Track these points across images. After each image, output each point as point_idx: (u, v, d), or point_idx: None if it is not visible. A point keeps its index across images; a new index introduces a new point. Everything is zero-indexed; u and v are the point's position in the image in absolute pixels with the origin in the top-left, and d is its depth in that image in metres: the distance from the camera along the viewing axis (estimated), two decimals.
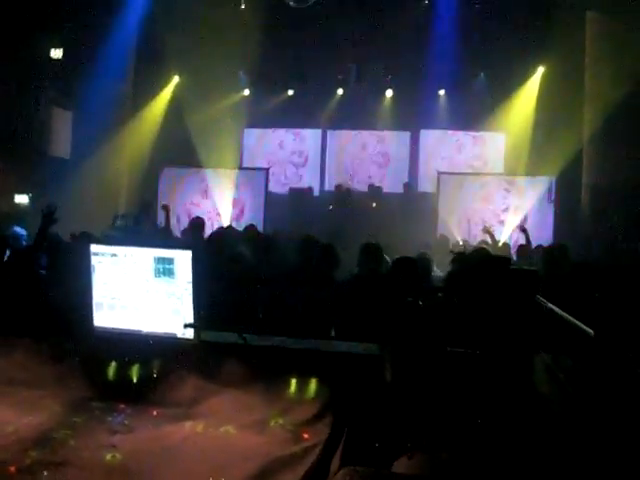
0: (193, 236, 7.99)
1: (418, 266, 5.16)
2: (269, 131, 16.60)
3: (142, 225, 9.96)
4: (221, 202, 14.12)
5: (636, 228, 10.58)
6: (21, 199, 12.06)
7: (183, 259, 3.34)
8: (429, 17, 14.06)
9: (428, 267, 6.19)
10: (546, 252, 6.78)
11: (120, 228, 9.79)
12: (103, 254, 3.48)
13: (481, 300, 3.10)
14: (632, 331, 2.08)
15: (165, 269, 3.36)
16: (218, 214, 13.88)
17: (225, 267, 5.47)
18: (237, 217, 13.78)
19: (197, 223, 8.49)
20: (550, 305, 2.92)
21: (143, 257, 3.41)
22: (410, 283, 4.78)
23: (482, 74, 15.06)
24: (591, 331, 2.20)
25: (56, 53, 12.21)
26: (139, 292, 3.44)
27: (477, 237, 11.49)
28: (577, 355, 2.50)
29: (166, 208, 9.16)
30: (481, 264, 3.39)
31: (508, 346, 3.15)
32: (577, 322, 2.40)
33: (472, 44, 13.54)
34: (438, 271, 6.99)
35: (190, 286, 3.34)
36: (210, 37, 13.07)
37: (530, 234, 9.18)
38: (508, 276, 3.24)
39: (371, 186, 14.96)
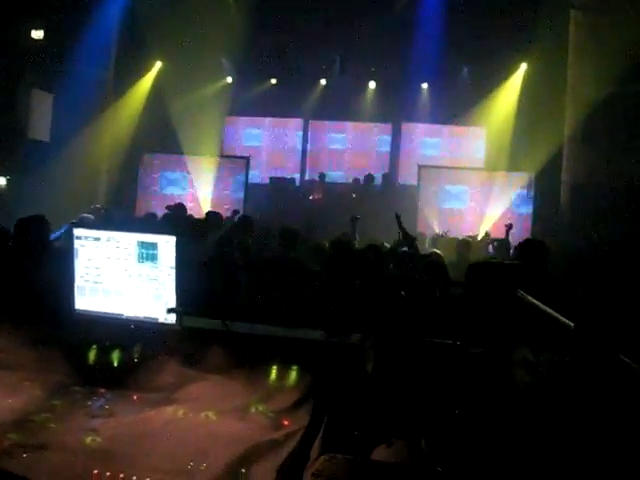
0: (176, 222, 7.98)
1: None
2: (251, 119, 16.56)
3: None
4: (201, 189, 14.05)
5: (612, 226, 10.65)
6: None
7: (166, 244, 3.33)
8: (414, 10, 14.09)
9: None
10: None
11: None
12: (86, 237, 3.47)
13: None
14: (611, 323, 2.12)
15: (148, 254, 3.35)
16: (197, 201, 13.80)
17: (209, 252, 5.46)
18: (216, 205, 13.68)
19: (179, 209, 8.51)
20: (530, 298, 2.95)
21: (126, 241, 3.40)
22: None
23: (465, 69, 15.17)
24: (571, 324, 2.24)
25: (38, 34, 12.03)
26: (122, 276, 3.43)
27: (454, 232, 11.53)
28: (558, 348, 2.54)
29: None
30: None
31: (488, 339, 3.19)
32: (557, 315, 2.44)
33: (456, 38, 13.60)
34: None
35: (173, 271, 3.35)
36: (194, 24, 13.02)
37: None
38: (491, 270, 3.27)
39: (354, 178, 14.93)
